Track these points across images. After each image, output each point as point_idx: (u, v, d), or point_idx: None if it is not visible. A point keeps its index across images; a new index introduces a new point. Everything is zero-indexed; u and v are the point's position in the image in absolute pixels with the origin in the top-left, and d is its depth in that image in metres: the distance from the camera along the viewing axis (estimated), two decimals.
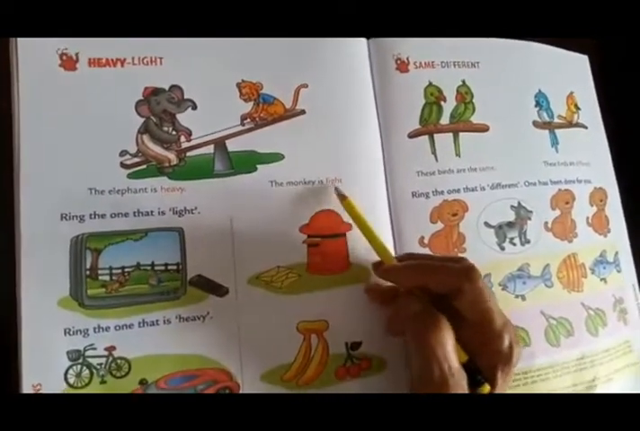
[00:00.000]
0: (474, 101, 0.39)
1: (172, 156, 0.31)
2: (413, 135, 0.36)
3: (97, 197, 0.30)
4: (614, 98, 0.46)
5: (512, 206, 0.38)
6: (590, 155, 0.43)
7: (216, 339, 0.30)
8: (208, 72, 0.33)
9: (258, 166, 0.33)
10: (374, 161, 0.35)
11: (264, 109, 0.34)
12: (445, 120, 0.38)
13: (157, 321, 0.29)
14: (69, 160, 0.29)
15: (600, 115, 0.45)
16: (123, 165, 0.30)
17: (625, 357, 0.40)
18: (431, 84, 0.38)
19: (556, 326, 0.37)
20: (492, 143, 0.39)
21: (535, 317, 0.37)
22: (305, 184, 0.33)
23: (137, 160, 0.31)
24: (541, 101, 0.41)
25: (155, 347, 0.29)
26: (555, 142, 0.41)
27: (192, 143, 0.32)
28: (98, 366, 0.28)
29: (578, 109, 0.44)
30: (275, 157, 0.33)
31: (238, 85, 0.33)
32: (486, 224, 0.37)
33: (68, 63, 0.30)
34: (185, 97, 0.32)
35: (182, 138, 0.32)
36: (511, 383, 0.33)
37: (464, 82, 0.39)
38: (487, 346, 0.29)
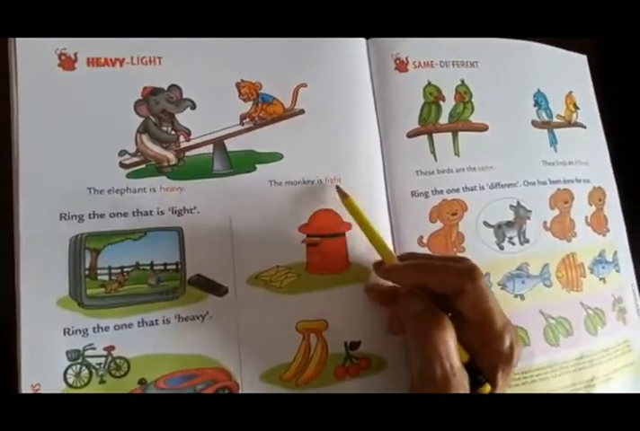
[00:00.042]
0: (473, 100, 0.39)
1: (171, 156, 0.31)
2: (412, 134, 0.36)
3: (96, 197, 0.30)
4: (612, 97, 0.46)
5: (511, 206, 0.38)
6: (588, 155, 0.43)
7: (215, 339, 0.30)
8: (208, 72, 0.33)
9: (257, 166, 0.33)
10: (373, 160, 0.35)
11: (263, 109, 0.34)
12: (444, 120, 0.38)
13: (156, 320, 0.29)
14: (68, 159, 0.29)
15: (598, 114, 0.45)
16: (122, 165, 0.30)
17: (624, 357, 0.40)
18: (430, 84, 0.38)
19: (555, 325, 0.37)
20: (491, 142, 0.39)
21: (534, 316, 0.37)
22: (304, 184, 0.33)
23: (136, 159, 0.31)
24: (540, 100, 0.41)
25: (154, 347, 0.29)
26: (553, 141, 0.41)
27: (191, 142, 0.32)
28: (97, 366, 0.28)
29: (577, 108, 0.44)
30: (274, 157, 0.33)
31: (237, 85, 0.33)
32: (485, 223, 0.37)
33: (67, 63, 0.30)
34: (184, 97, 0.32)
35: (181, 138, 0.32)
36: (511, 383, 0.33)
37: (463, 81, 0.39)
38: (488, 346, 0.29)
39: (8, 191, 0.29)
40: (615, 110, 0.46)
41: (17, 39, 0.30)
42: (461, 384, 0.27)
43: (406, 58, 0.38)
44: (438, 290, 0.29)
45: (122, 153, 0.30)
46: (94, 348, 0.28)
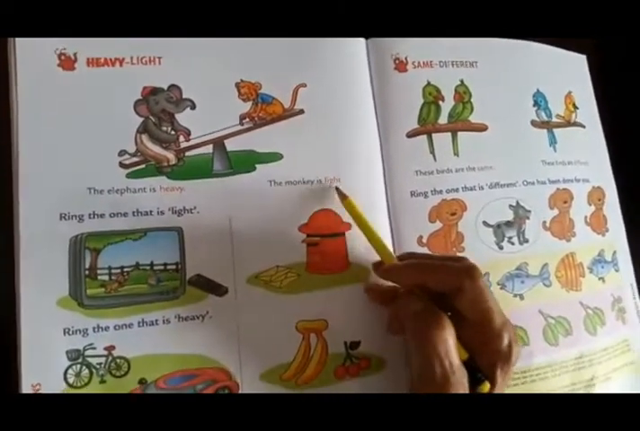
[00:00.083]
0: (472, 100, 0.39)
1: (170, 156, 0.31)
2: (411, 134, 0.37)
3: (96, 197, 0.30)
4: (612, 97, 0.46)
5: (511, 206, 0.38)
6: (588, 155, 0.43)
7: (215, 339, 0.30)
8: (207, 72, 0.33)
9: (257, 166, 0.33)
10: (372, 160, 0.35)
11: (263, 109, 0.34)
12: (443, 120, 0.38)
13: (157, 320, 0.29)
14: (68, 159, 0.29)
15: (597, 114, 0.45)
16: (122, 165, 0.30)
17: (623, 356, 0.40)
18: (429, 84, 0.38)
19: (555, 325, 0.38)
20: (490, 142, 0.39)
21: (533, 316, 0.37)
22: (304, 183, 0.33)
23: (135, 159, 0.31)
24: (539, 100, 0.41)
25: (154, 347, 0.29)
26: (553, 141, 0.41)
27: (191, 142, 0.32)
28: (97, 366, 0.28)
29: (576, 108, 0.44)
30: (274, 157, 0.33)
31: (237, 85, 0.33)
32: (485, 223, 0.37)
33: (67, 63, 0.30)
34: (184, 97, 0.32)
35: (181, 138, 0.32)
36: (510, 383, 0.33)
37: (462, 81, 0.39)
38: (487, 345, 0.29)
39: (8, 191, 0.29)
40: (614, 110, 0.46)
41: (17, 39, 0.30)
42: (460, 382, 0.27)
43: (406, 58, 0.38)
44: (437, 289, 0.30)
45: (122, 153, 0.30)
46: (95, 348, 0.28)
